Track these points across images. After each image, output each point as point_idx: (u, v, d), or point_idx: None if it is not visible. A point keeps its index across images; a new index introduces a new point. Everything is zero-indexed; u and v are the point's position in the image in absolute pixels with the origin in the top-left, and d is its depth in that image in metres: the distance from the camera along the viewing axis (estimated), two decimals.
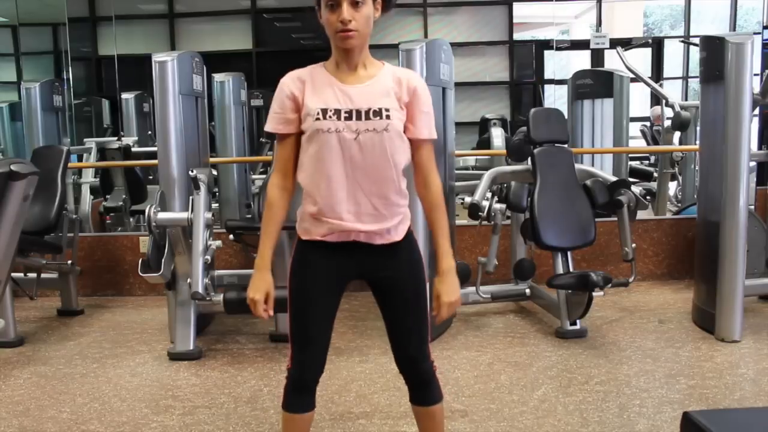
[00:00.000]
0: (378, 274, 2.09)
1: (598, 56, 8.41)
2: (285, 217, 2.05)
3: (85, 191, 6.25)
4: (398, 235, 2.06)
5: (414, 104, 2.00)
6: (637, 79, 6.39)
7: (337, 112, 1.94)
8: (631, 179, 5.84)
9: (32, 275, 4.55)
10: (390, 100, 1.97)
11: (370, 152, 1.95)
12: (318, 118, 1.94)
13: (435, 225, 2.07)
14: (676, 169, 6.33)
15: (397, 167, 1.99)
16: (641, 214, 4.95)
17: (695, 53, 6.67)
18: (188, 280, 3.83)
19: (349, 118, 1.94)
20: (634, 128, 7.45)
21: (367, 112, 1.94)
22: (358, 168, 1.96)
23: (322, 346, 2.09)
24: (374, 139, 1.94)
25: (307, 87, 1.99)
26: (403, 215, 2.07)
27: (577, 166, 4.56)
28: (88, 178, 6.31)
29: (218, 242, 3.94)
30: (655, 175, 6.63)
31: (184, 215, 3.81)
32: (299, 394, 2.11)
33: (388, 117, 1.95)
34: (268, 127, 2.03)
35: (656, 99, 7.87)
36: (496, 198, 4.35)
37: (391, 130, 1.95)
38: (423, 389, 2.17)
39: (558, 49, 8.61)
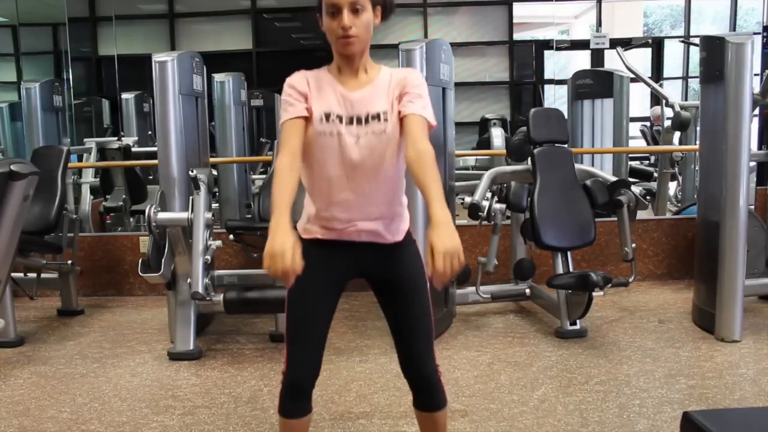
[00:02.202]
0: (379, 275, 2.11)
1: (598, 56, 8.42)
2: (296, 189, 1.93)
3: (85, 191, 6.25)
4: (398, 236, 2.09)
5: (405, 90, 2.02)
6: (637, 79, 6.39)
7: (339, 116, 1.99)
8: (631, 179, 5.84)
9: (32, 275, 4.56)
10: (387, 103, 2.01)
11: (370, 155, 1.99)
12: (321, 122, 1.99)
13: (425, 180, 1.84)
14: (676, 169, 6.34)
15: (395, 169, 2.03)
16: (641, 214, 4.95)
17: (695, 53, 6.68)
18: (188, 280, 3.83)
19: (350, 123, 1.99)
20: (634, 128, 7.45)
21: (366, 117, 1.99)
22: (358, 170, 2.00)
23: (318, 349, 2.08)
24: (373, 142, 1.99)
25: (312, 89, 2.03)
26: (402, 216, 2.10)
27: (577, 166, 4.56)
28: (88, 178, 6.32)
29: (218, 242, 3.94)
30: (655, 175, 6.63)
31: (184, 215, 3.81)
32: (295, 399, 2.08)
33: (386, 120, 1.99)
34: (285, 116, 2.00)
35: (656, 99, 7.87)
36: (496, 198, 4.35)
37: (389, 132, 1.99)
38: (427, 393, 2.14)
39: (558, 49, 8.61)
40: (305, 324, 2.06)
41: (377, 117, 1.99)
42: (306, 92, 2.02)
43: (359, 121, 1.99)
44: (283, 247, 1.74)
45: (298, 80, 2.05)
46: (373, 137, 1.98)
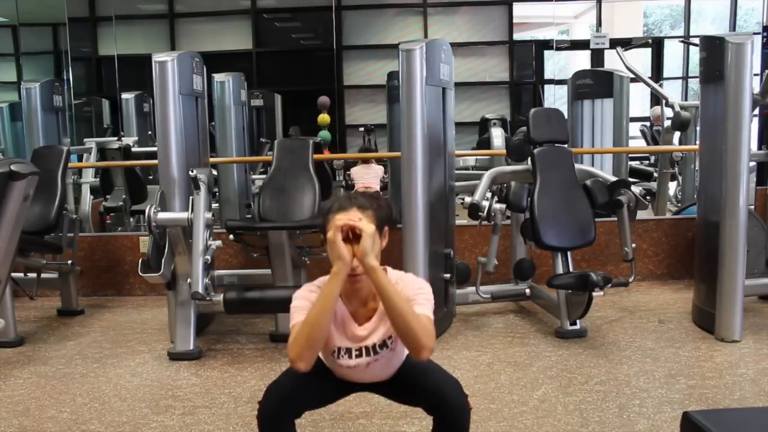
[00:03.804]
0: (383, 390, 2.26)
1: (598, 56, 8.42)
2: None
3: (85, 191, 6.25)
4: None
5: (410, 295, 2.03)
6: (637, 79, 6.39)
7: (348, 351, 2.10)
8: (631, 179, 5.84)
9: (32, 275, 4.56)
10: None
11: (379, 369, 2.14)
12: (332, 354, 2.11)
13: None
14: (676, 169, 6.34)
15: (399, 355, 2.17)
16: (641, 214, 4.95)
17: (695, 53, 6.68)
18: (188, 280, 3.83)
19: (359, 355, 2.10)
20: (634, 128, 7.45)
21: (374, 347, 2.10)
22: (368, 375, 2.16)
23: (295, 411, 2.16)
24: (382, 363, 2.13)
25: None
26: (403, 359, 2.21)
27: (577, 166, 4.56)
28: (88, 178, 6.32)
29: (218, 242, 3.93)
30: (655, 175, 6.63)
31: (184, 215, 3.81)
32: (273, 428, 2.11)
33: (393, 343, 2.09)
34: (297, 318, 2.02)
35: (656, 99, 7.87)
36: (496, 198, 4.35)
37: (397, 348, 2.11)
38: (447, 418, 2.11)
39: (558, 49, 8.62)
40: (292, 398, 2.12)
41: (384, 345, 2.09)
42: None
43: (368, 352, 2.10)
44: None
45: (309, 296, 2.05)
46: (381, 360, 2.12)
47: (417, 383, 2.15)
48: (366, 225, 1.96)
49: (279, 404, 2.11)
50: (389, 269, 2.10)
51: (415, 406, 2.26)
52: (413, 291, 2.04)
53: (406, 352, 2.16)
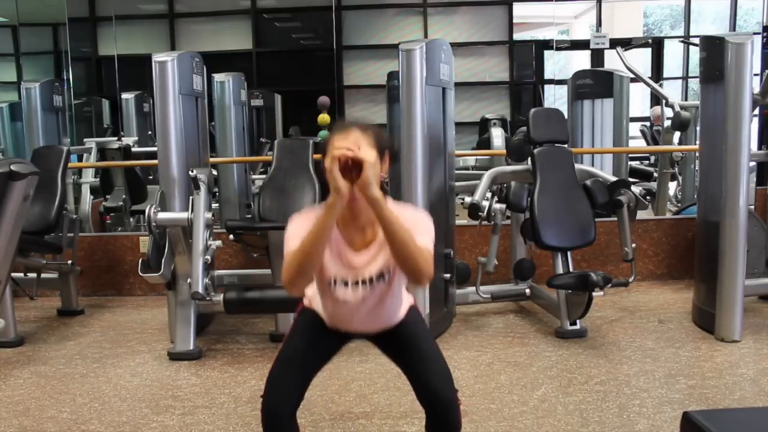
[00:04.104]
0: (383, 341, 2.23)
1: (598, 56, 8.42)
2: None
3: (85, 191, 6.25)
4: (399, 319, 2.19)
5: (411, 229, 1.97)
6: (637, 79, 6.39)
7: (345, 281, 2.05)
8: (631, 179, 5.84)
9: (32, 275, 4.55)
10: (390, 257, 1.99)
11: (375, 304, 2.09)
12: (328, 284, 2.06)
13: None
14: (676, 169, 6.34)
15: (397, 292, 2.13)
16: (641, 214, 4.95)
17: (695, 53, 6.68)
18: (188, 280, 3.83)
19: (356, 285, 2.05)
20: (634, 128, 7.45)
21: (370, 279, 2.04)
22: (363, 311, 2.10)
23: (298, 392, 2.10)
24: (378, 296, 2.07)
25: None
26: (402, 310, 2.19)
27: (577, 166, 4.56)
28: (88, 178, 6.32)
29: (218, 242, 3.94)
30: (655, 175, 6.63)
31: (184, 215, 3.81)
32: (275, 424, 2.06)
33: (389, 277, 2.05)
34: (291, 247, 1.95)
35: (656, 99, 7.87)
36: (496, 198, 4.35)
37: (393, 283, 2.07)
38: (440, 414, 2.08)
39: (558, 49, 8.62)
40: (295, 361, 2.12)
41: (381, 277, 2.04)
42: None
43: (364, 283, 2.04)
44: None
45: (306, 223, 1.96)
46: (376, 293, 2.06)
47: (411, 365, 2.13)
48: (367, 153, 1.85)
49: (282, 385, 2.07)
50: (391, 204, 1.99)
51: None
52: (413, 223, 1.97)
53: (404, 300, 2.18)
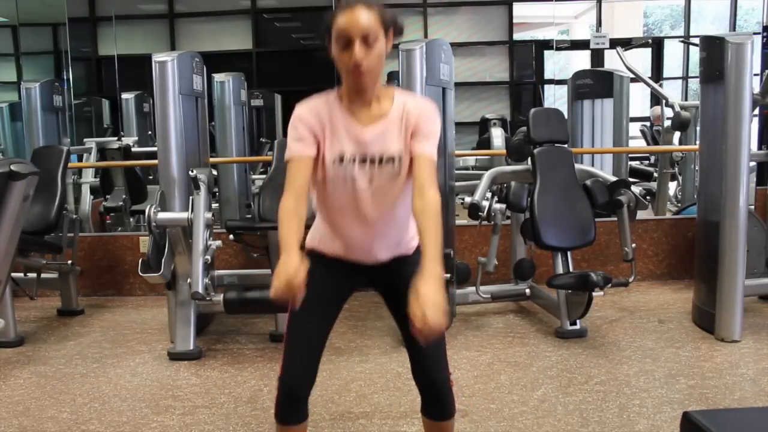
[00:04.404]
0: (387, 285, 2.13)
1: (598, 56, 8.41)
2: (302, 229, 1.97)
3: (85, 191, 6.25)
4: (408, 251, 2.11)
5: (419, 125, 1.99)
6: (637, 79, 6.38)
7: (353, 158, 1.98)
8: (631, 179, 5.84)
9: (32, 275, 4.56)
10: (401, 141, 1.98)
11: (383, 193, 2.01)
12: (335, 164, 1.98)
13: (426, 227, 1.89)
14: (676, 169, 6.34)
15: (405, 204, 2.04)
16: (641, 214, 4.95)
17: (695, 53, 6.67)
18: (188, 280, 3.83)
19: (363, 163, 1.98)
20: (634, 128, 7.45)
21: (380, 159, 1.98)
22: (371, 206, 2.01)
23: (315, 356, 2.07)
24: (386, 185, 2.00)
25: (326, 128, 1.99)
26: (409, 239, 2.11)
27: (577, 166, 4.57)
28: (88, 178, 6.32)
29: (218, 242, 3.94)
30: (655, 175, 6.63)
31: (184, 215, 3.82)
32: (291, 404, 2.05)
33: (400, 162, 1.99)
34: (289, 154, 1.99)
35: (656, 99, 7.87)
36: (496, 198, 4.35)
37: (402, 174, 2.00)
38: (437, 402, 2.09)
39: (558, 49, 8.61)
40: (306, 331, 2.05)
41: (391, 160, 1.98)
42: (315, 128, 1.98)
43: (372, 161, 1.98)
44: (292, 269, 1.81)
45: (307, 114, 2.00)
46: (386, 179, 1.99)
47: (408, 331, 1.96)
48: (437, 318, 1.73)
49: (297, 365, 2.03)
50: (397, 94, 2.02)
51: None
52: (417, 119, 1.96)
53: (412, 228, 2.07)
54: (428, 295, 1.74)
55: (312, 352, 2.06)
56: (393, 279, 2.09)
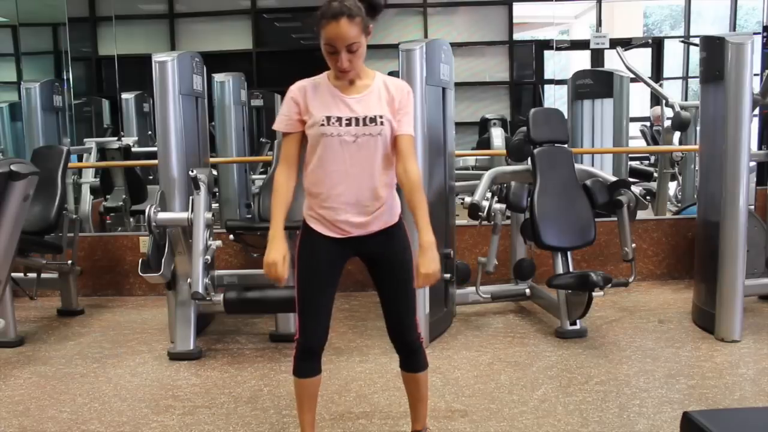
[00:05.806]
0: (371, 253, 2.43)
1: (598, 56, 8.42)
2: (292, 200, 2.35)
3: (85, 191, 6.25)
4: (391, 219, 2.41)
5: (401, 107, 2.33)
6: (637, 79, 6.39)
7: (339, 119, 2.28)
8: (631, 179, 5.84)
9: (32, 275, 4.55)
10: (383, 108, 2.30)
11: (366, 152, 2.30)
12: (323, 124, 2.28)
13: (414, 205, 2.30)
14: (676, 169, 6.34)
15: (386, 162, 2.34)
16: (641, 214, 4.95)
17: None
18: (188, 280, 3.83)
19: (349, 124, 2.28)
20: (634, 128, 7.45)
21: (364, 119, 2.29)
22: (356, 165, 2.30)
23: (325, 315, 2.41)
24: (369, 141, 2.29)
25: (311, 97, 2.32)
26: (392, 207, 2.42)
27: (577, 166, 4.56)
28: (88, 178, 6.32)
29: (218, 242, 3.94)
30: (655, 175, 6.63)
31: (184, 215, 3.82)
32: (307, 361, 2.43)
33: (381, 123, 2.29)
34: (276, 126, 2.38)
35: (656, 99, 7.87)
36: (496, 198, 4.35)
37: (384, 133, 2.30)
38: (410, 357, 2.51)
39: (558, 49, 8.61)
40: (313, 297, 2.40)
41: (374, 120, 2.29)
42: (300, 102, 2.32)
43: (357, 122, 2.28)
44: (276, 259, 2.25)
45: (297, 91, 2.35)
46: (369, 137, 2.28)
47: (387, 296, 2.45)
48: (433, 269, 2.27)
49: (312, 328, 2.39)
50: (378, 74, 2.36)
51: None
52: (399, 103, 2.31)
53: (396, 200, 2.41)
54: (424, 269, 2.25)
55: (321, 314, 2.40)
56: (378, 249, 2.40)
